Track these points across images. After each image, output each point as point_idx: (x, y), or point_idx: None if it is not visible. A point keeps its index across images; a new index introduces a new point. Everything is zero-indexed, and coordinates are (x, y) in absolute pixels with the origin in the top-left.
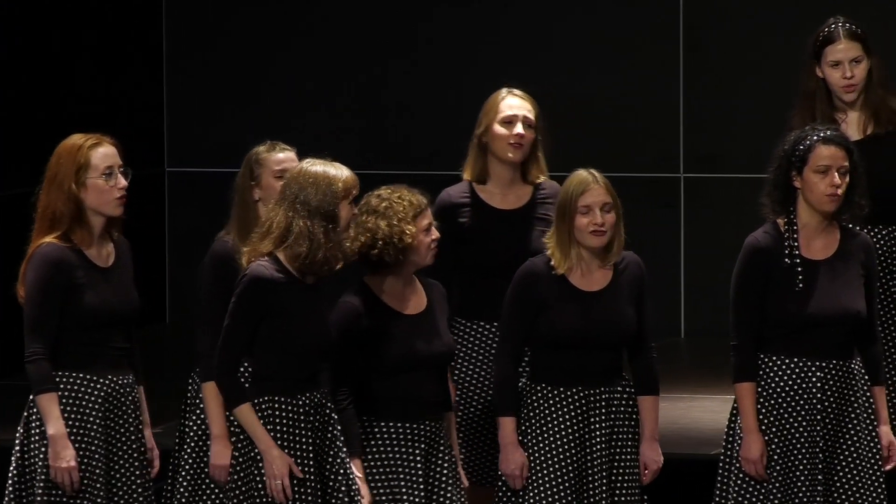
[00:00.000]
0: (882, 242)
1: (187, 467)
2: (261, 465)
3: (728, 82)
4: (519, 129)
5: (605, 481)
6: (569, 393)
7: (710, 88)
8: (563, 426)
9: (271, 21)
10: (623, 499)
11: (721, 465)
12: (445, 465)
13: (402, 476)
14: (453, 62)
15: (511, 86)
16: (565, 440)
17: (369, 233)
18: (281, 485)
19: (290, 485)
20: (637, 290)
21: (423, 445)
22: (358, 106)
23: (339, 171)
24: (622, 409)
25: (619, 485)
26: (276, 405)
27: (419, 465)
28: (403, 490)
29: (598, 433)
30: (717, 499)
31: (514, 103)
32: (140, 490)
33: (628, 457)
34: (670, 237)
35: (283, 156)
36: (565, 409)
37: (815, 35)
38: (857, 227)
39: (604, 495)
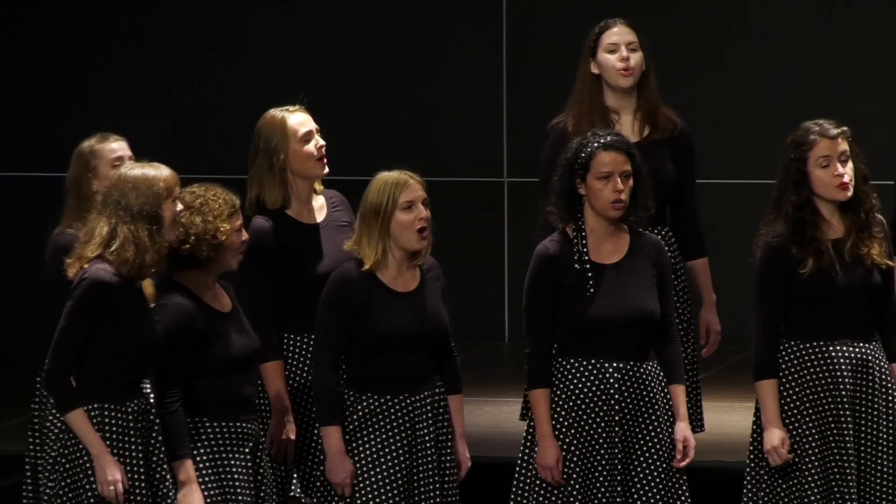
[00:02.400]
0: None
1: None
2: (90, 473)
3: (551, 87)
4: (319, 140)
5: (437, 483)
6: (396, 400)
7: (533, 93)
8: (391, 433)
9: (84, 27)
10: (450, 499)
11: (518, 469)
12: (265, 463)
13: (234, 475)
14: (272, 64)
15: (282, 106)
16: (394, 447)
17: (182, 227)
18: (115, 490)
19: (122, 491)
20: (441, 288)
21: (250, 444)
22: (173, 110)
23: (159, 172)
24: (442, 410)
25: (445, 485)
26: (106, 412)
27: (249, 464)
28: (238, 489)
29: (427, 437)
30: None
31: (302, 118)
32: None
33: (451, 457)
34: (494, 241)
35: (117, 145)
36: (394, 417)
37: (591, 33)
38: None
39: (439, 499)
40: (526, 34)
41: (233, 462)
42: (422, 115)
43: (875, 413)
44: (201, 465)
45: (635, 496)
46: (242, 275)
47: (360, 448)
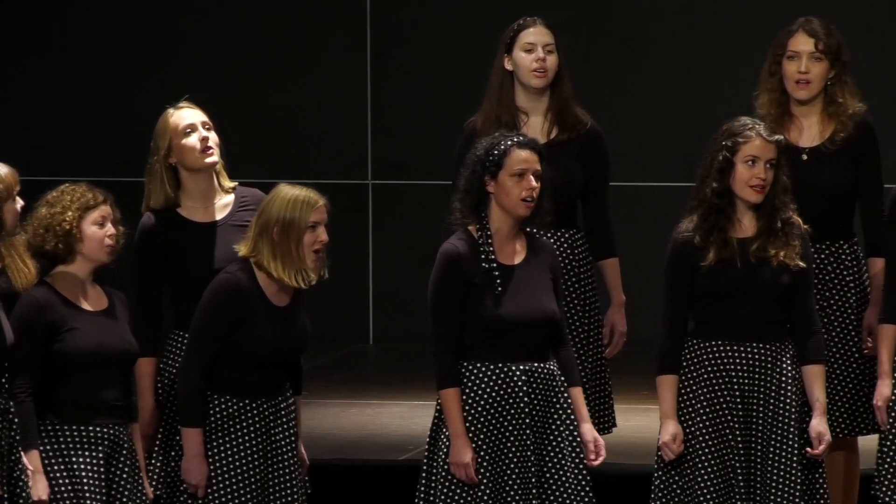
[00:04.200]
0: (562, 247)
1: None
2: None
3: (415, 89)
4: (202, 133)
5: (291, 484)
6: (255, 405)
7: (397, 95)
8: (248, 437)
9: None
10: (300, 500)
11: (424, 469)
12: (126, 469)
13: (84, 479)
14: (140, 69)
15: (172, 104)
16: (250, 451)
17: (38, 221)
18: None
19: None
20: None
21: (105, 449)
22: (40, 112)
23: None
24: (293, 413)
25: (296, 486)
26: None
27: (101, 469)
28: (86, 493)
29: (282, 441)
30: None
31: (186, 113)
32: None
33: (298, 458)
34: (359, 244)
35: None
36: (251, 421)
37: (508, 29)
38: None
39: (293, 500)
40: (390, 36)
41: (81, 465)
42: (285, 116)
43: (769, 415)
44: (52, 467)
45: (551, 497)
46: (133, 272)
47: (217, 450)
